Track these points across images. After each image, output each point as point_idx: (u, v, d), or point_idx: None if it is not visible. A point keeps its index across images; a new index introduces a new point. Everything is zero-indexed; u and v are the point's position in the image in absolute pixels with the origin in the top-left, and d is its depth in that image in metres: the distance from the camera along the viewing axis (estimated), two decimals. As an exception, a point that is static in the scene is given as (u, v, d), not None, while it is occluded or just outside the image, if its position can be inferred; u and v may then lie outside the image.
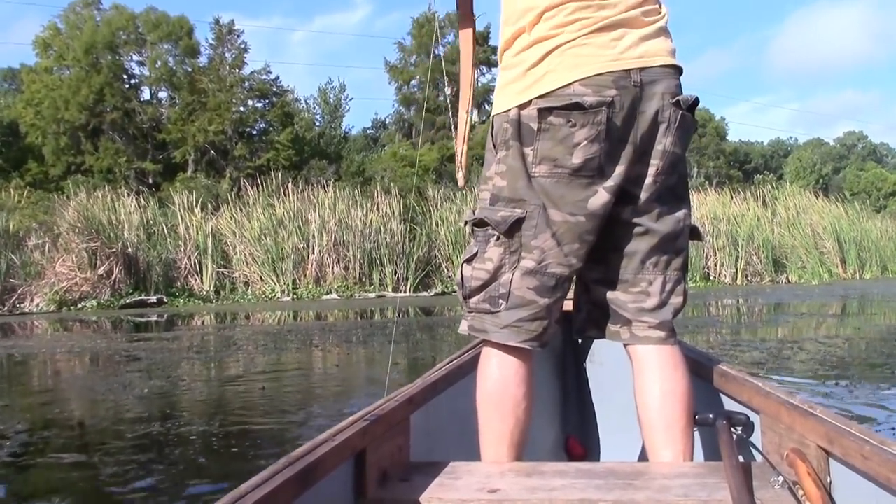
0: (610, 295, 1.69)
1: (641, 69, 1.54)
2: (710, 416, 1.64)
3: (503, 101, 1.59)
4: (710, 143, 41.27)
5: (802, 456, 1.34)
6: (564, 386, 2.69)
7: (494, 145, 1.62)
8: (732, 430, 1.59)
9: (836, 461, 1.29)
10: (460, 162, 1.93)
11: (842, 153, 60.56)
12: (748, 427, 1.63)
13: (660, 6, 1.65)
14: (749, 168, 48.10)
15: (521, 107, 1.54)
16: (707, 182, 29.30)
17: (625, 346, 1.71)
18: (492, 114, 1.64)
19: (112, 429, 3.93)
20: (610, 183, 1.54)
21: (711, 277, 20.67)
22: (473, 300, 1.62)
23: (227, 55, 29.31)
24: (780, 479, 1.36)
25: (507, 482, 1.41)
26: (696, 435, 1.69)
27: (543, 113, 1.50)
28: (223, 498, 0.98)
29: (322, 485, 1.19)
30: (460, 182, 1.98)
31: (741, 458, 1.49)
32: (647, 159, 1.58)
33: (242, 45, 29.34)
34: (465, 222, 1.66)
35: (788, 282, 21.21)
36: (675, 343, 1.68)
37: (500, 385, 1.60)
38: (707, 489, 1.34)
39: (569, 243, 1.56)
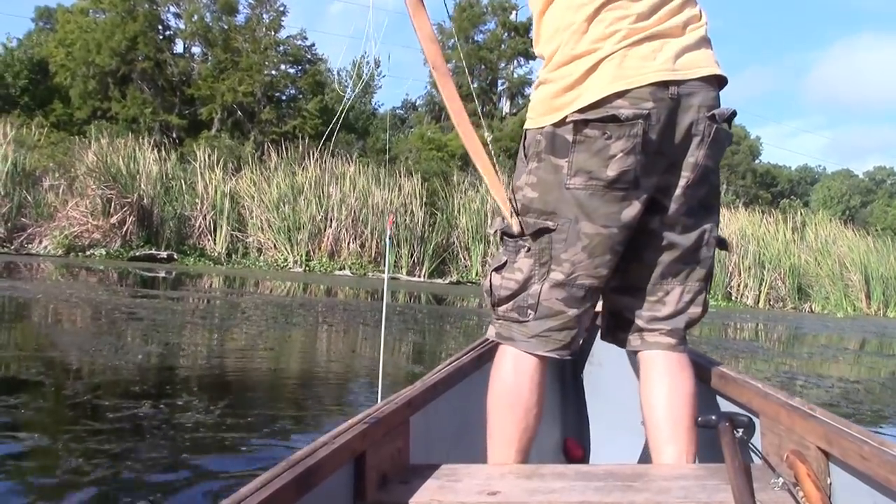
0: (627, 303, 1.70)
1: (679, 81, 1.52)
2: (713, 417, 1.64)
3: (538, 117, 1.57)
4: (742, 161, 40.60)
5: (802, 457, 1.35)
6: (563, 388, 2.65)
7: (526, 156, 1.61)
8: (734, 431, 1.59)
9: (835, 463, 1.29)
10: (507, 210, 1.80)
11: (870, 187, 59.76)
12: (749, 429, 1.64)
13: (700, 14, 1.62)
14: (775, 191, 47.49)
15: (557, 124, 1.53)
16: (737, 199, 28.72)
17: (634, 352, 1.72)
18: (525, 126, 1.62)
19: (91, 404, 3.40)
20: (643, 194, 1.54)
21: (733, 297, 20.15)
22: (502, 308, 1.63)
23: (264, 16, 28.88)
24: (780, 480, 1.36)
25: (507, 484, 1.42)
26: (698, 435, 1.67)
27: (579, 125, 1.49)
28: (224, 501, 0.96)
29: (322, 488, 1.18)
30: (515, 229, 1.82)
31: (742, 460, 1.48)
32: (678, 171, 1.57)
33: (281, 8, 28.89)
34: (495, 231, 1.65)
35: (811, 311, 20.66)
36: (684, 350, 1.68)
37: (514, 389, 1.60)
38: (707, 491, 1.34)
39: (600, 255, 1.56)
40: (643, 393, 1.67)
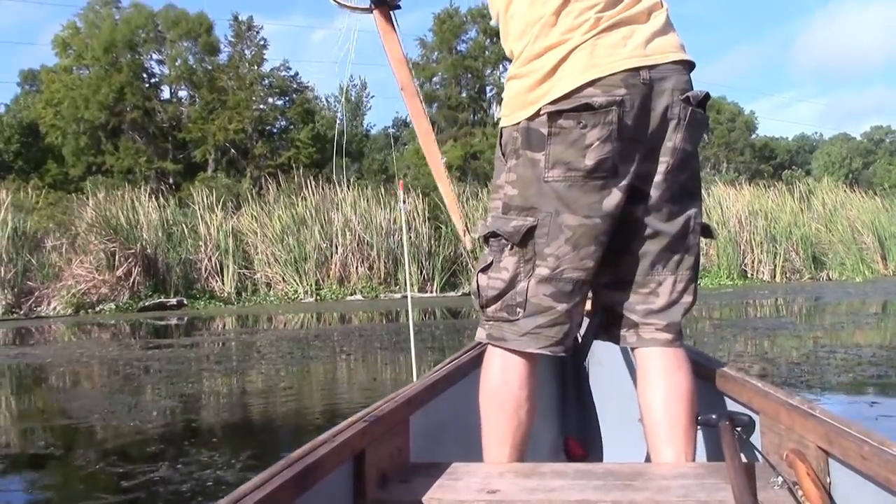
0: (619, 298, 1.68)
1: (651, 66, 1.51)
2: (713, 416, 1.63)
3: (512, 113, 1.57)
4: (740, 137, 40.38)
5: (802, 456, 1.34)
6: (563, 386, 2.58)
7: (503, 154, 1.60)
8: (734, 430, 1.58)
9: (835, 461, 1.29)
10: (462, 230, 1.95)
11: (869, 148, 59.43)
12: (748, 427, 1.63)
13: (661, 1, 1.63)
14: (775, 163, 47.24)
15: (531, 118, 1.52)
16: (739, 176, 28.51)
17: (630, 349, 1.73)
18: (500, 125, 1.61)
19: (103, 473, 3.19)
20: (623, 182, 1.53)
21: (749, 275, 19.90)
22: (490, 309, 1.61)
23: (246, 52, 28.93)
24: (780, 479, 1.36)
25: (507, 483, 1.41)
26: (696, 434, 1.67)
27: (553, 117, 1.49)
28: (222, 500, 0.95)
29: (321, 486, 1.17)
30: (467, 245, 1.99)
31: (742, 459, 1.48)
32: (657, 157, 1.56)
33: (262, 42, 28.96)
34: (479, 237, 1.64)
35: (829, 279, 20.41)
36: (680, 345, 1.68)
37: (503, 386, 1.60)
38: (706, 490, 1.34)
39: (584, 246, 1.55)
40: (640, 392, 1.67)
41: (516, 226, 1.55)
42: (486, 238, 1.62)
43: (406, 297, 2.52)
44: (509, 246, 1.57)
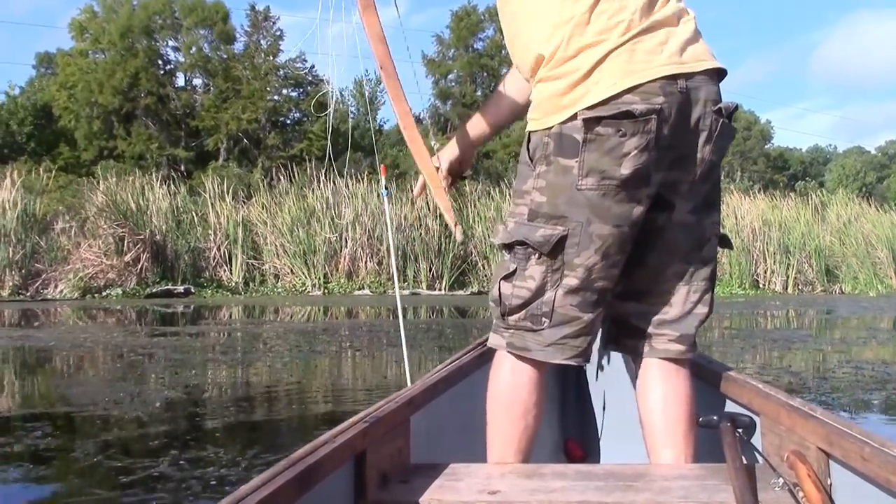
0: (632, 308, 1.65)
1: (688, 75, 1.48)
2: (714, 417, 1.63)
3: (544, 117, 1.52)
4: (755, 146, 40.13)
5: (803, 458, 1.34)
6: (564, 388, 2.60)
7: (531, 159, 1.55)
8: (735, 432, 1.58)
9: (836, 463, 1.28)
10: (452, 222, 1.91)
11: (883, 162, 59.21)
12: (749, 429, 1.63)
13: (686, 8, 1.59)
14: (788, 174, 47.00)
15: (565, 121, 1.47)
16: (754, 185, 28.29)
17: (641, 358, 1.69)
18: (528, 129, 1.56)
19: (102, 467, 3.00)
20: (651, 191, 1.51)
21: (761, 285, 19.72)
22: (513, 318, 1.57)
23: (262, 42, 28.84)
24: (781, 481, 1.36)
25: (507, 484, 1.41)
26: (696, 437, 1.66)
27: (590, 123, 1.44)
28: (223, 500, 0.95)
29: (322, 486, 1.17)
30: (458, 237, 2.04)
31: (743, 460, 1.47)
32: (684, 166, 1.53)
33: (278, 33, 28.85)
34: (503, 244, 1.58)
35: (842, 292, 20.22)
36: (691, 356, 1.66)
37: (512, 390, 1.58)
38: (707, 491, 1.34)
39: (613, 256, 1.52)
40: (639, 395, 1.67)
41: (546, 235, 1.50)
42: (511, 245, 1.56)
43: (396, 293, 2.40)
44: (537, 255, 1.53)
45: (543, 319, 1.55)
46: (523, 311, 1.56)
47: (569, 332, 1.55)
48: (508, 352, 1.59)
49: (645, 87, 1.44)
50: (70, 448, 3.37)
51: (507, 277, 1.57)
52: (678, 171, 1.53)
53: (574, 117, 1.46)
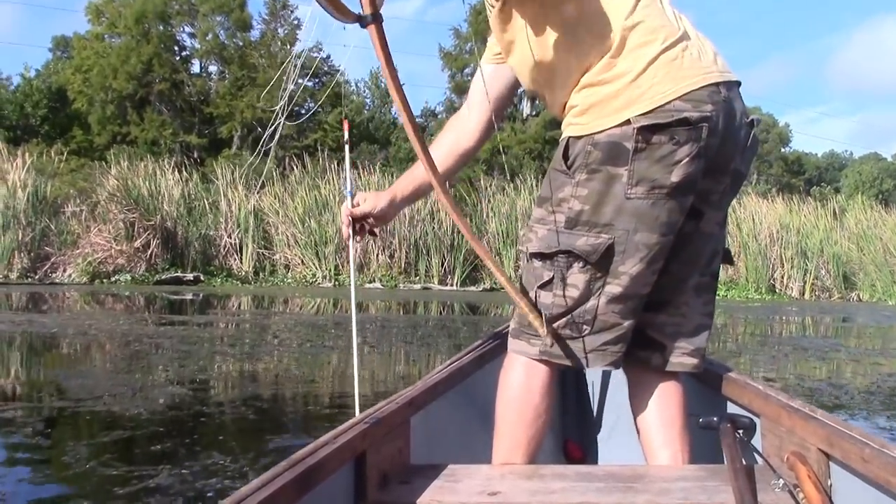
0: (649, 319, 1.62)
1: (728, 84, 1.49)
2: (715, 418, 1.62)
3: (592, 122, 1.47)
4: (773, 149, 39.75)
5: (803, 459, 1.34)
6: (563, 389, 2.60)
7: (570, 167, 1.50)
8: (735, 433, 1.56)
9: (836, 464, 1.28)
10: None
11: (899, 169, 58.60)
12: (749, 430, 1.62)
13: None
14: (804, 179, 46.61)
15: (614, 127, 1.44)
16: (771, 189, 27.97)
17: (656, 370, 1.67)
18: (568, 134, 1.52)
19: (95, 475, 2.76)
20: (692, 199, 1.51)
21: (777, 290, 19.43)
22: (554, 326, 1.54)
23: (279, 30, 28.67)
24: (781, 482, 1.35)
25: (508, 485, 1.41)
26: (696, 438, 1.65)
27: (644, 131, 1.41)
28: (224, 501, 0.95)
29: (322, 487, 1.17)
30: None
31: (743, 462, 1.45)
32: (716, 176, 1.53)
33: (295, 21, 28.67)
34: (538, 253, 1.53)
35: (859, 300, 19.90)
36: (702, 368, 1.67)
37: (525, 393, 1.57)
38: (707, 492, 1.34)
39: (656, 263, 1.51)
40: (633, 396, 1.69)
41: (592, 244, 1.48)
42: (550, 255, 1.52)
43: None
44: (581, 263, 1.50)
45: (585, 327, 1.53)
46: (564, 319, 1.53)
47: (609, 338, 1.55)
48: (539, 360, 1.56)
49: (694, 94, 1.43)
50: (60, 449, 3.14)
51: (545, 286, 1.54)
52: (710, 181, 1.52)
53: (626, 123, 1.43)
